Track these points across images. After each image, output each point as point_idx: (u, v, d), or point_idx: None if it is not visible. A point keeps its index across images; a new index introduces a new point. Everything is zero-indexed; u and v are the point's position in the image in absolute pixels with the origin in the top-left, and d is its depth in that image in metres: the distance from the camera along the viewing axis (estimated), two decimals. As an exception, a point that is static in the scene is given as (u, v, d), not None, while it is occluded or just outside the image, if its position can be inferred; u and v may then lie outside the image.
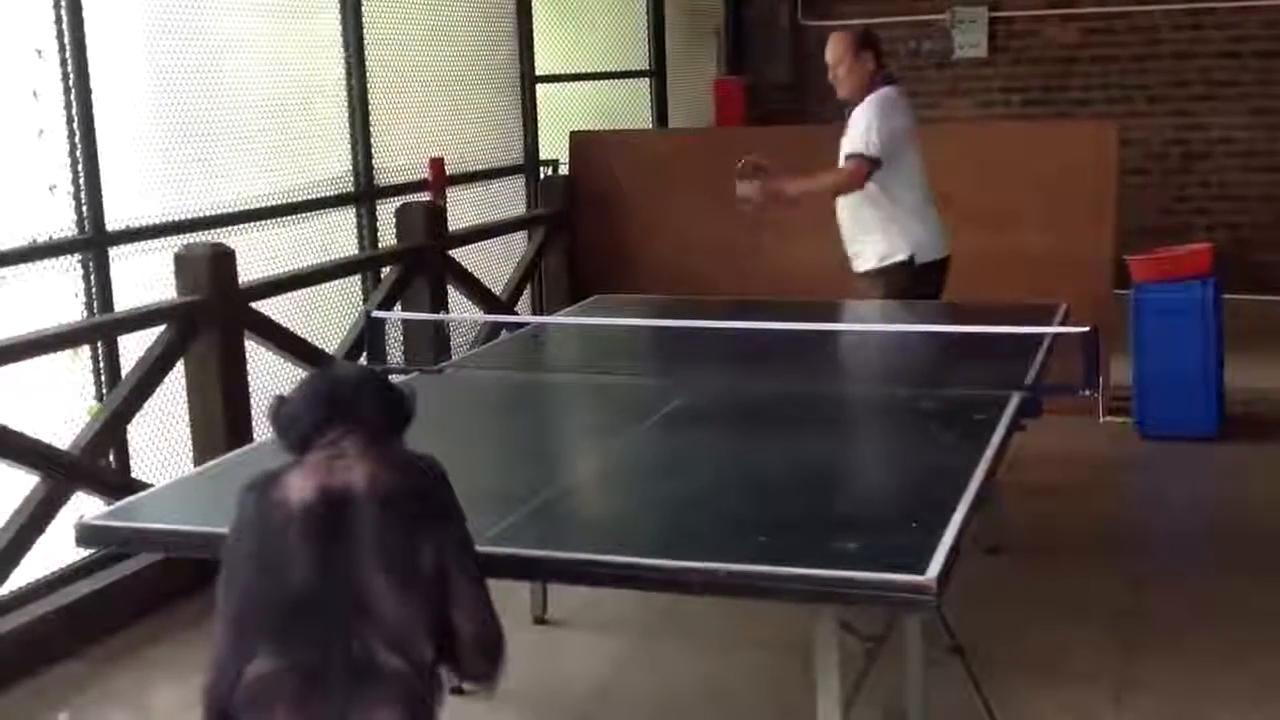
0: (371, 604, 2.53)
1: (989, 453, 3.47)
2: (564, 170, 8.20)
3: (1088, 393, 4.20)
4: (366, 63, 6.47)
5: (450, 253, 6.85)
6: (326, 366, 2.77)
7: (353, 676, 2.50)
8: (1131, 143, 9.25)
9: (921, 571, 2.69)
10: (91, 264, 5.03)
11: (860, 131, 5.68)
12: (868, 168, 5.65)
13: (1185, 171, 10.07)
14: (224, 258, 5.28)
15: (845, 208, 5.84)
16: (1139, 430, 6.66)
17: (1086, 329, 4.18)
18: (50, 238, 4.90)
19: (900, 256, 5.76)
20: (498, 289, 7.38)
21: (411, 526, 2.61)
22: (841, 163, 5.77)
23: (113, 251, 5.11)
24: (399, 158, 6.74)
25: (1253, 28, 9.79)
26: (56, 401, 4.99)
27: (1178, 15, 9.92)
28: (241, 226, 5.72)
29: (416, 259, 6.53)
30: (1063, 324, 4.84)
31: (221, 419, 5.23)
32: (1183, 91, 10.02)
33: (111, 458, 5.09)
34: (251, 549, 2.60)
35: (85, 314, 5.03)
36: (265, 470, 2.71)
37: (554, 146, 8.20)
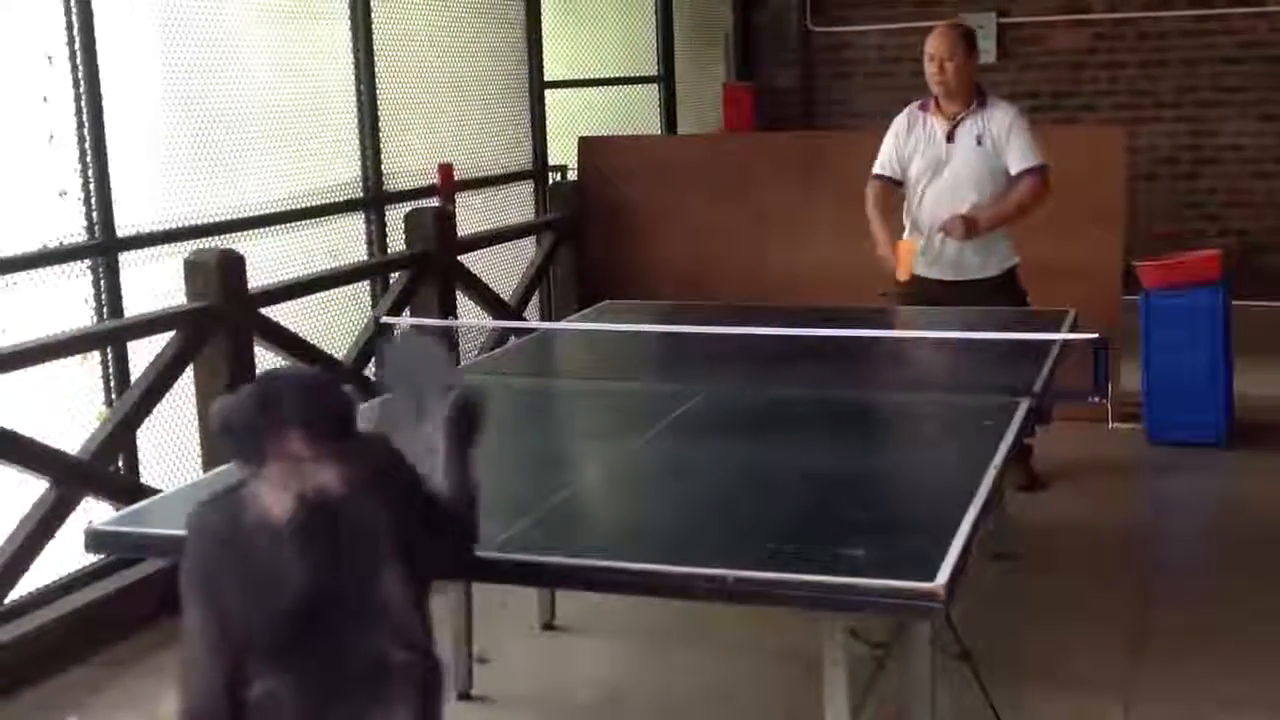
0: (374, 599, 2.53)
1: (998, 459, 3.47)
2: (573, 176, 8.20)
3: (1097, 399, 4.20)
4: (376, 69, 6.48)
5: (459, 258, 6.85)
6: (264, 373, 2.73)
7: (367, 681, 2.50)
8: (1140, 148, 9.26)
9: (930, 578, 2.68)
10: (101, 269, 5.04)
11: (1028, 141, 5.66)
12: (1047, 175, 5.66)
13: (1194, 177, 10.06)
14: (234, 263, 5.28)
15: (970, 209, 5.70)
16: (1148, 436, 6.65)
17: (1095, 335, 4.17)
18: (60, 243, 4.91)
19: (1017, 259, 5.82)
20: (506, 295, 7.38)
21: (392, 505, 2.59)
22: (1013, 176, 5.68)
23: (123, 257, 5.12)
24: (408, 163, 6.75)
25: (1262, 33, 9.79)
26: (66, 407, 5.00)
27: (1186, 21, 9.92)
28: (251, 232, 5.72)
29: (425, 264, 6.54)
30: (1071, 330, 4.84)
31: (231, 424, 5.22)
32: (1191, 97, 10.01)
33: (121, 463, 5.10)
34: (234, 573, 2.52)
35: (95, 319, 5.04)
36: (217, 491, 2.63)
37: (563, 152, 8.21)
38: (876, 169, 5.87)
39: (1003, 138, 5.69)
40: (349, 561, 2.53)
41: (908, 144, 5.80)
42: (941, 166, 5.73)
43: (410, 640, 2.54)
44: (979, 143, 5.71)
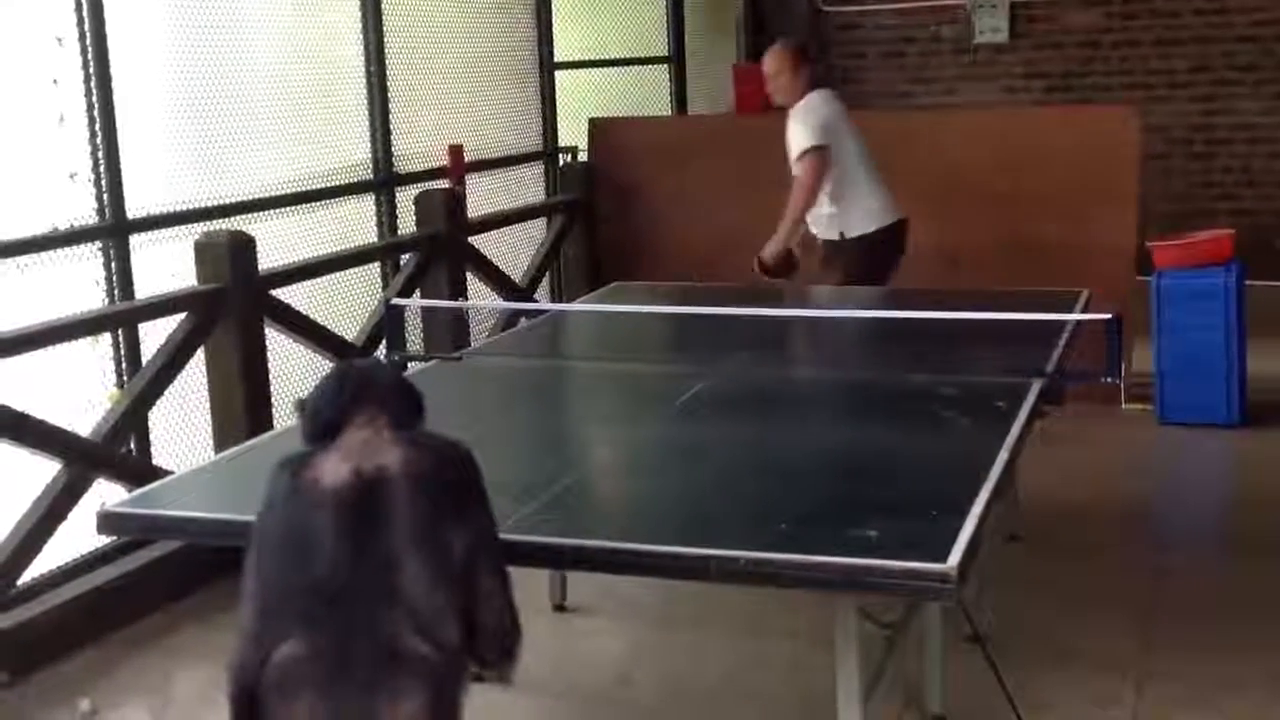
0: (402, 588, 2.54)
1: (1010, 440, 3.46)
2: (583, 157, 8.19)
3: (1109, 380, 4.19)
4: (386, 50, 6.47)
5: (469, 240, 6.85)
6: (345, 360, 2.80)
7: (380, 662, 2.51)
8: (1153, 128, 9.20)
9: (943, 560, 2.68)
10: (112, 251, 5.04)
11: (799, 128, 6.16)
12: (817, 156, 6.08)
13: (1208, 157, 10.01)
14: (244, 245, 5.29)
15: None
16: (1160, 417, 6.63)
17: (1108, 316, 4.16)
18: (71, 225, 4.91)
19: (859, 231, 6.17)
20: (517, 276, 7.38)
21: (446, 511, 2.62)
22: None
23: (137, 239, 5.12)
24: (419, 145, 6.74)
25: (1276, 12, 9.72)
26: (78, 388, 5.00)
27: (1199, 0, 9.86)
28: (262, 214, 5.72)
29: (436, 246, 6.53)
30: (1084, 311, 4.83)
31: (242, 406, 5.24)
32: (1205, 76, 9.96)
33: (133, 445, 5.10)
34: (281, 530, 2.61)
35: (106, 301, 5.04)
36: (299, 450, 2.71)
37: (573, 133, 8.20)
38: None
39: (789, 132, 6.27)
40: (380, 542, 2.55)
41: None
42: None
43: (434, 636, 2.54)
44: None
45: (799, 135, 6.13)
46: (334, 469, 2.60)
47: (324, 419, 2.70)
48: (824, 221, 6.24)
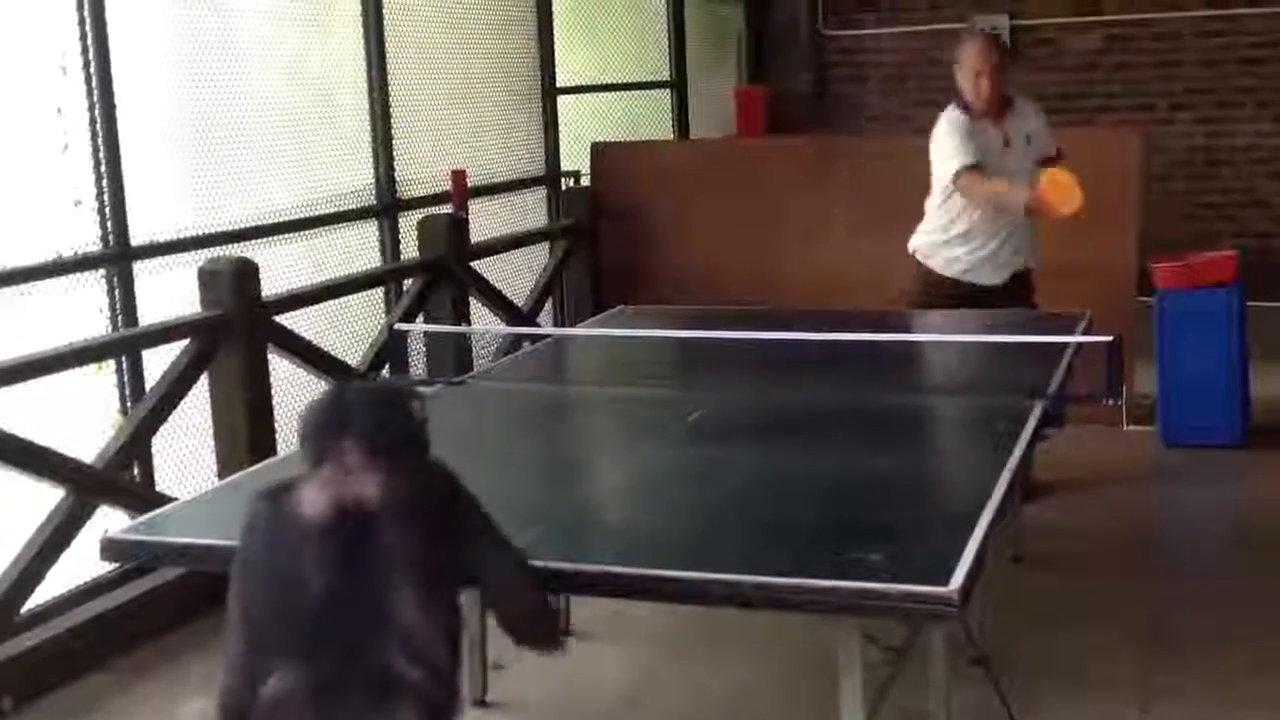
0: (391, 614, 2.54)
1: (1012, 462, 3.46)
2: (585, 181, 8.21)
3: (1111, 401, 4.19)
4: (388, 76, 6.49)
5: (472, 265, 6.86)
6: (340, 382, 2.81)
7: (373, 690, 2.51)
8: (1155, 149, 9.22)
9: (945, 582, 2.68)
10: (116, 278, 5.06)
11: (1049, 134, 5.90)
12: None
13: (1209, 178, 10.03)
14: (248, 271, 5.30)
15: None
16: (1163, 439, 6.63)
17: (1110, 337, 4.16)
18: (75, 252, 4.93)
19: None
20: (520, 301, 7.39)
21: (432, 533, 2.62)
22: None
23: (143, 265, 5.14)
24: (421, 170, 6.76)
25: (1276, 33, 9.76)
26: (81, 416, 5.01)
27: (1200, 21, 9.89)
28: (265, 240, 5.74)
29: (439, 271, 6.54)
30: (1086, 332, 4.83)
31: (245, 432, 5.24)
32: (1206, 98, 9.99)
33: (136, 471, 5.11)
34: (265, 562, 2.61)
35: (110, 328, 5.05)
36: (278, 480, 2.71)
37: (575, 158, 8.21)
38: (970, 160, 5.66)
39: (1043, 132, 5.89)
40: (367, 573, 2.55)
41: (979, 145, 5.74)
42: (1003, 171, 5.71)
43: (427, 663, 2.54)
44: (1028, 142, 5.83)
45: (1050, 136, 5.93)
46: (313, 500, 2.59)
47: (312, 445, 2.68)
48: (1029, 246, 5.95)
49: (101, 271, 5.03)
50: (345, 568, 2.55)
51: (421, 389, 4.22)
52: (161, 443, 5.19)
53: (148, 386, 5.10)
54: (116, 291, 5.06)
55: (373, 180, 6.49)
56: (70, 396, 4.95)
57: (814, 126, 10.51)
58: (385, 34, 6.46)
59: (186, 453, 5.32)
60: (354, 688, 2.50)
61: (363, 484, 2.60)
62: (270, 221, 5.79)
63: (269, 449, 5.26)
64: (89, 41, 4.90)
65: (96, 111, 4.94)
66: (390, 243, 6.58)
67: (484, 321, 7.00)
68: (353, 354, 6.12)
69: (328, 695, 2.51)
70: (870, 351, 4.92)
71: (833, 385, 4.46)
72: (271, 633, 2.56)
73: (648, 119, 9.34)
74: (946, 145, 5.71)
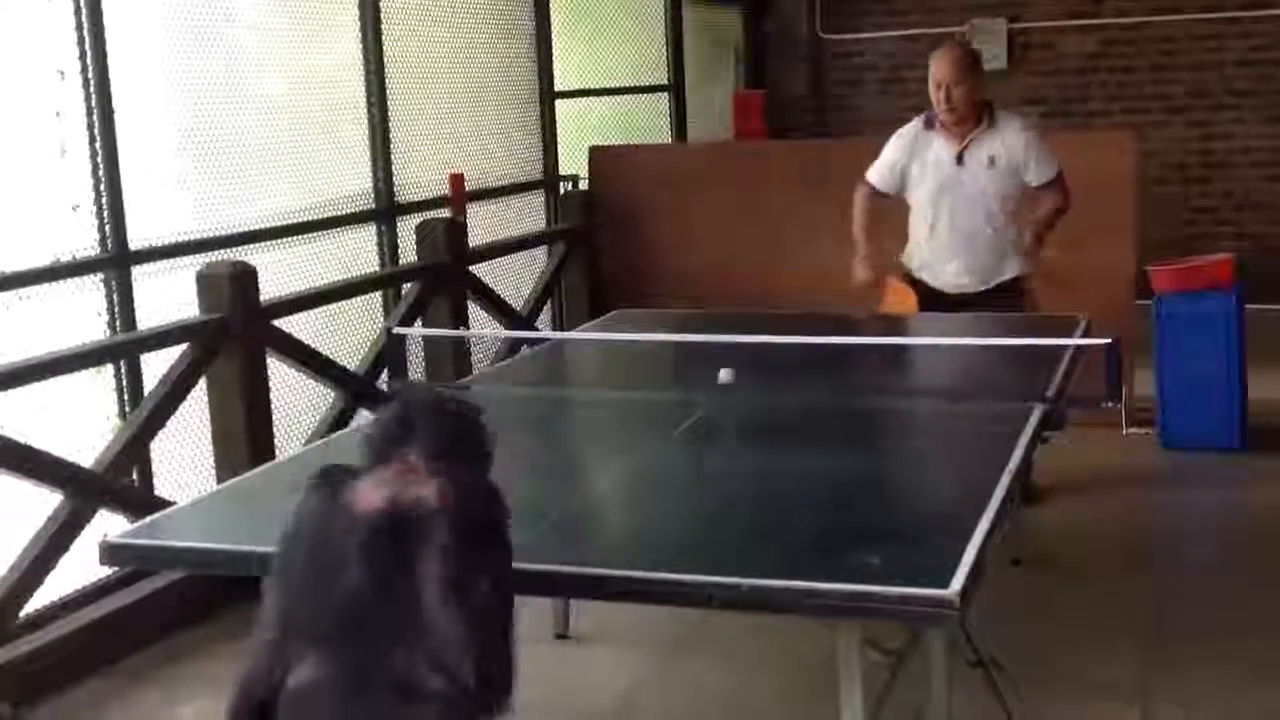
0: (423, 620, 2.52)
1: (1012, 465, 3.46)
2: (584, 185, 8.22)
3: (1110, 405, 4.19)
4: (387, 80, 6.50)
5: (471, 268, 6.86)
6: (404, 390, 2.79)
7: (395, 692, 2.49)
8: (1152, 153, 9.23)
9: (945, 586, 2.67)
10: (114, 283, 5.06)
11: (1045, 154, 5.68)
12: (1065, 180, 5.72)
13: (1206, 181, 10.05)
14: (246, 276, 5.30)
15: (987, 225, 5.68)
16: (1162, 442, 6.63)
17: (1108, 341, 4.16)
18: (74, 256, 4.93)
19: (1024, 269, 5.81)
20: (518, 304, 7.39)
21: (475, 550, 2.60)
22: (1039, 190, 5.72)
23: (136, 270, 5.14)
24: (420, 174, 6.76)
25: (1272, 37, 9.77)
26: (80, 419, 5.01)
27: (1196, 25, 9.91)
28: (263, 244, 5.74)
29: (437, 275, 6.55)
30: (1084, 336, 4.83)
31: (244, 436, 5.24)
32: (1203, 101, 10.00)
33: (135, 476, 5.11)
34: (309, 547, 2.60)
35: (108, 333, 5.05)
36: (341, 465, 2.71)
37: (573, 161, 8.22)
38: (872, 176, 5.84)
39: (1018, 157, 5.65)
40: (406, 574, 2.54)
41: (911, 166, 5.73)
42: (952, 190, 5.66)
43: (450, 671, 2.52)
44: (991, 164, 5.64)
45: (1046, 158, 5.68)
46: (370, 494, 2.60)
47: (371, 450, 2.70)
48: (1010, 262, 5.78)
49: (100, 276, 5.03)
50: (385, 567, 2.54)
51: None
52: (160, 447, 5.19)
53: (146, 391, 5.10)
54: (115, 296, 5.05)
55: (371, 184, 6.49)
56: (69, 401, 4.94)
57: (812, 130, 10.52)
58: (383, 38, 6.46)
59: (185, 457, 5.32)
60: (376, 687, 2.49)
61: (423, 487, 2.60)
62: (269, 225, 5.79)
63: (268, 453, 5.26)
64: (87, 46, 4.90)
65: (95, 116, 4.94)
66: (389, 247, 6.58)
67: (482, 325, 7.00)
68: (351, 358, 6.12)
69: (351, 691, 2.49)
70: (869, 355, 4.93)
71: (831, 388, 4.46)
72: (303, 619, 2.55)
73: (646, 123, 9.34)
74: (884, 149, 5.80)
